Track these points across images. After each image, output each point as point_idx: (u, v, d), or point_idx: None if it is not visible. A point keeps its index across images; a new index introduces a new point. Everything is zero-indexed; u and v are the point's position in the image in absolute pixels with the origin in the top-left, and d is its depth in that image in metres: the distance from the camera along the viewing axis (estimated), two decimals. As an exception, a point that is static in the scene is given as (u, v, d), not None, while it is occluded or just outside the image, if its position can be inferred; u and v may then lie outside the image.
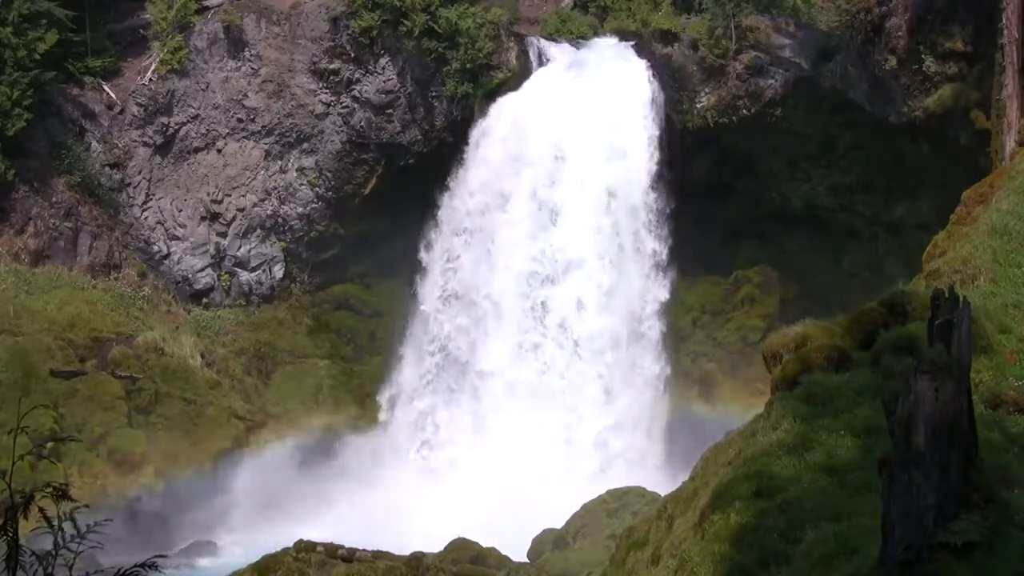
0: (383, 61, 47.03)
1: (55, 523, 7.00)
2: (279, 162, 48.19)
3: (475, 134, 46.40)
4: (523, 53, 46.80)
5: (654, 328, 46.20)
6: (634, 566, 18.56)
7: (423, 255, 47.09)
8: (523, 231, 46.00)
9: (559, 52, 47.11)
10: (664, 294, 46.21)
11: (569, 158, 45.74)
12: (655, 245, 46.16)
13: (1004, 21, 31.63)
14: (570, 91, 45.84)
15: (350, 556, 29.32)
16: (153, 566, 7.16)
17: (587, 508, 34.00)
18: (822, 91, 44.12)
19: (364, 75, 47.25)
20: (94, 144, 46.49)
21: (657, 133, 45.92)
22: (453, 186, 46.73)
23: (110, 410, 41.33)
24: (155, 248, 47.57)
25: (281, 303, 48.97)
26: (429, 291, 47.25)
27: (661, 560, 16.78)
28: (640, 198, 45.82)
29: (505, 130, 46.31)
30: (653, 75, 46.25)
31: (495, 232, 46.39)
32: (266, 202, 48.37)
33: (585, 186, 45.62)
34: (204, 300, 48.17)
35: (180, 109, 47.41)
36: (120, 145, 46.75)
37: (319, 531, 32.84)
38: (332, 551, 29.40)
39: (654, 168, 45.77)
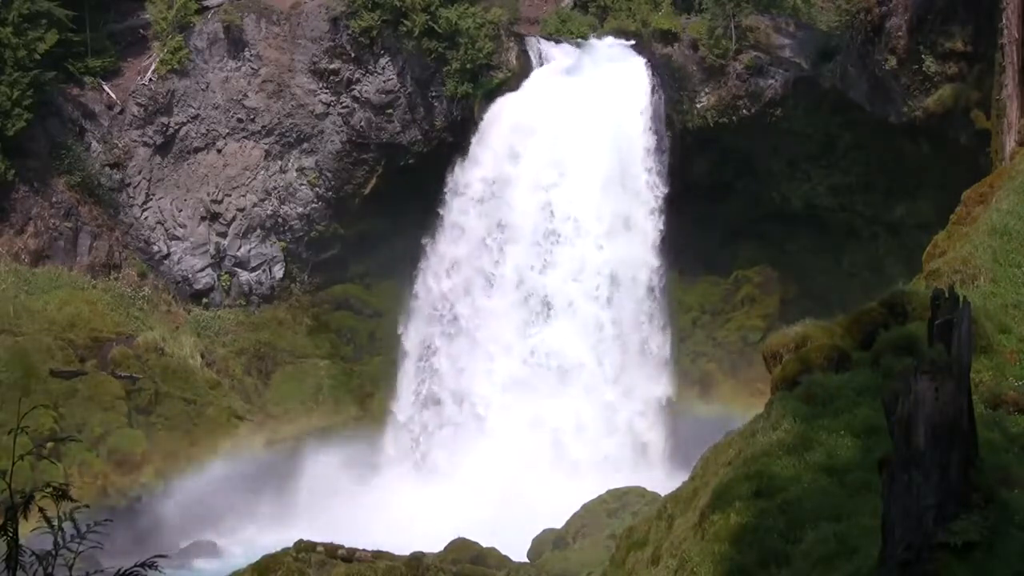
0: (383, 61, 47.01)
1: (55, 523, 7.00)
2: (279, 162, 48.19)
3: (449, 187, 43.82)
4: (523, 53, 46.75)
5: (658, 436, 42.30)
6: (634, 566, 18.56)
7: (402, 329, 44.75)
8: (510, 326, 41.86)
9: (559, 52, 46.89)
10: (668, 391, 42.57)
11: (563, 232, 42.38)
12: (659, 339, 42.96)
13: (1004, 21, 31.64)
14: (559, 139, 42.22)
15: (350, 556, 29.33)
16: (153, 566, 7.16)
17: (587, 508, 33.91)
18: (822, 91, 44.12)
19: (364, 75, 47.24)
20: (94, 144, 46.49)
21: (665, 191, 43.10)
22: (429, 251, 44.25)
23: (110, 410, 41.32)
24: (155, 248, 47.57)
25: (281, 303, 48.95)
26: (405, 389, 44.31)
27: (661, 560, 16.78)
28: (645, 278, 42.54)
29: (480, 189, 42.78)
30: (655, 124, 43.61)
31: (477, 325, 42.20)
32: (266, 202, 48.37)
33: (583, 271, 42.08)
34: (204, 300, 48.16)
35: (180, 109, 47.41)
36: (120, 145, 46.74)
37: (319, 531, 32.79)
38: (332, 551, 29.41)
39: (659, 239, 43.04)
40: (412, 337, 44.27)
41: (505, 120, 44.52)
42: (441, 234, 44.45)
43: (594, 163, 43.56)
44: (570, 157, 43.46)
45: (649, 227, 43.40)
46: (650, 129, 44.43)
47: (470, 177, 44.23)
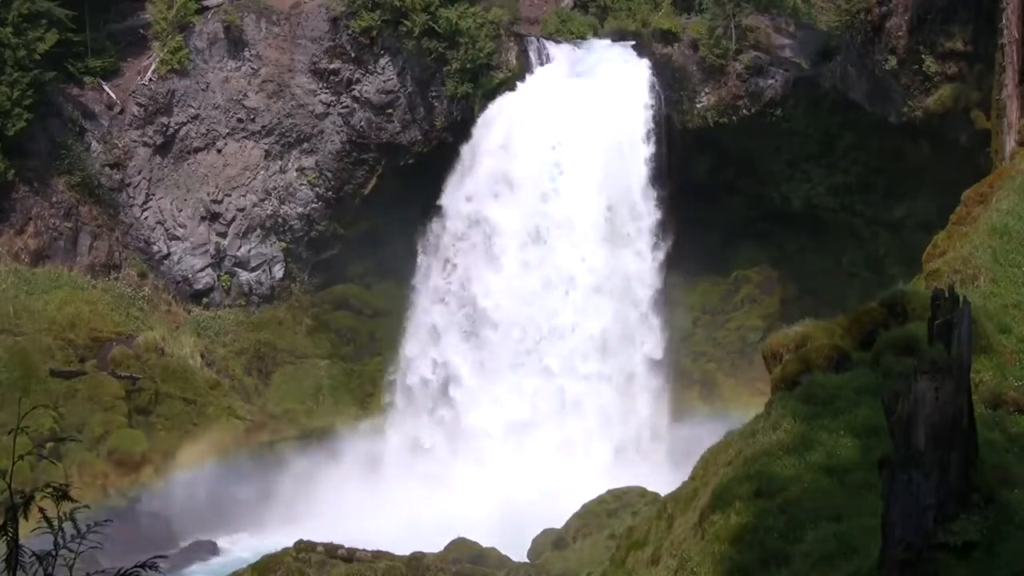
0: (383, 61, 47.00)
1: (55, 523, 6.99)
2: (279, 162, 48.18)
3: (448, 185, 44.21)
4: (523, 53, 46.74)
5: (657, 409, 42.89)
6: (634, 566, 18.55)
7: (383, 446, 44.66)
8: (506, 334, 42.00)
9: (559, 52, 46.80)
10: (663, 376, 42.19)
11: (561, 232, 42.78)
12: (656, 338, 42.94)
13: (1004, 21, 31.68)
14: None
15: (350, 556, 29.35)
16: (153, 566, 7.15)
17: (587, 508, 33.90)
18: (822, 91, 44.10)
19: (364, 75, 47.23)
20: (94, 144, 46.49)
21: (665, 191, 42.68)
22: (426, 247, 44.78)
23: (110, 410, 41.29)
24: (155, 248, 47.56)
25: (281, 303, 48.94)
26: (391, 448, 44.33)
27: (661, 560, 16.78)
28: (644, 281, 42.38)
29: (477, 189, 42.41)
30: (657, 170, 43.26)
31: (472, 326, 42.39)
32: (266, 202, 48.36)
33: (580, 272, 42.01)
34: (204, 300, 48.15)
35: (180, 109, 47.40)
36: (120, 145, 46.74)
37: (319, 531, 32.80)
38: (332, 551, 29.44)
39: (659, 239, 42.92)
40: (392, 438, 44.52)
41: (504, 120, 44.52)
42: (438, 230, 44.69)
43: (593, 163, 43.56)
44: (569, 157, 43.47)
45: (648, 227, 43.40)
46: (650, 129, 44.42)
47: (469, 175, 44.32)
